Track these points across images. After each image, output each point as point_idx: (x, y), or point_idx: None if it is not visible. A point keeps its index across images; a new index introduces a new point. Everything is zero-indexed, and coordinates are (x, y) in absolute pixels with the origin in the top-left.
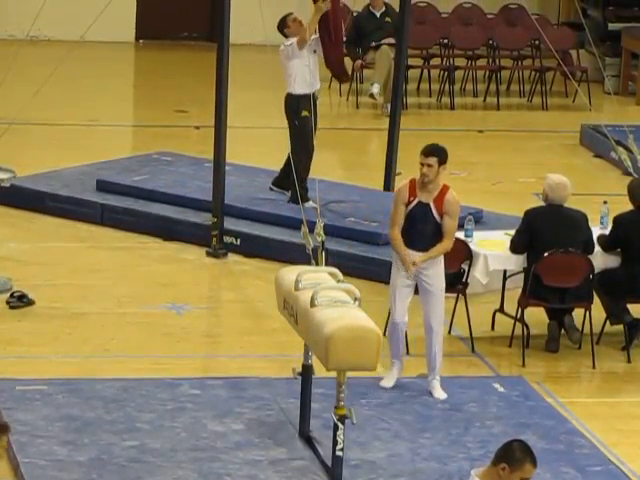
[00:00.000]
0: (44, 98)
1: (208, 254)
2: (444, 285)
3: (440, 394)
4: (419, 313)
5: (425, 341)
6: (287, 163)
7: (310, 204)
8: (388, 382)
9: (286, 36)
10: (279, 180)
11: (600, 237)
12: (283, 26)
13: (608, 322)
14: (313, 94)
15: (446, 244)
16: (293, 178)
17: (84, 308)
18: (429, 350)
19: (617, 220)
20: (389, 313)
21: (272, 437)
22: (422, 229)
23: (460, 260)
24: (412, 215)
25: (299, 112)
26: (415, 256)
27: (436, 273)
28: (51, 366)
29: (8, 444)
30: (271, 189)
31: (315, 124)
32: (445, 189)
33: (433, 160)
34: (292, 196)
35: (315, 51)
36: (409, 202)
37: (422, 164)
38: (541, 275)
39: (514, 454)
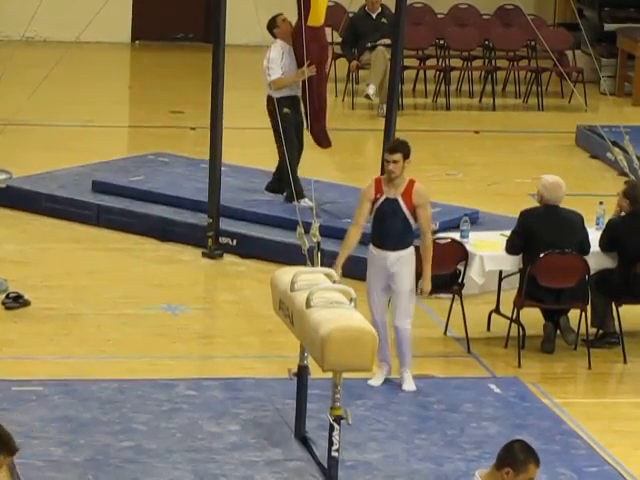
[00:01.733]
0: (40, 99)
1: (204, 255)
2: (413, 286)
3: (410, 386)
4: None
5: (394, 340)
6: (278, 168)
7: (306, 201)
8: (376, 381)
9: (275, 36)
10: (271, 184)
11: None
12: (273, 26)
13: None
14: (297, 97)
15: (427, 242)
16: (287, 177)
17: (80, 309)
18: (398, 349)
19: (609, 224)
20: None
21: (268, 438)
22: (391, 225)
23: (456, 261)
24: (381, 212)
25: (280, 110)
26: (422, 284)
27: (405, 274)
28: (47, 367)
29: (12, 464)
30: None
31: (301, 123)
32: (412, 183)
33: (398, 156)
34: (288, 195)
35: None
36: (376, 199)
37: (387, 161)
38: (537, 276)
39: (517, 456)
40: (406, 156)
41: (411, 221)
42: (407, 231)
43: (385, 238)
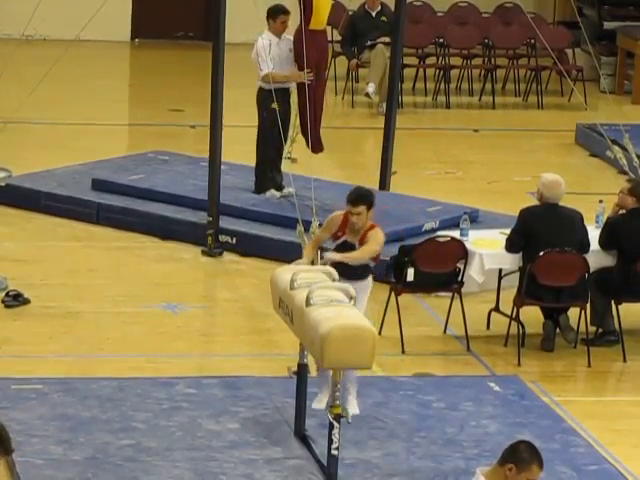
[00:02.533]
0: (40, 97)
1: (204, 253)
2: (363, 309)
3: (354, 410)
4: (410, 314)
5: None
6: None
7: (272, 193)
8: (319, 404)
9: (269, 27)
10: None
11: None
12: (270, 17)
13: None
14: (288, 89)
15: (359, 254)
16: (257, 168)
17: (80, 307)
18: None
19: (608, 222)
20: None
21: (268, 436)
22: (347, 265)
23: (456, 259)
24: (338, 251)
25: (268, 104)
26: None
27: (359, 301)
28: (47, 365)
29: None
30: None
31: (289, 117)
32: (372, 228)
33: (361, 208)
34: (255, 186)
35: (290, 49)
36: (337, 237)
37: (351, 212)
38: (536, 274)
39: (522, 455)
40: (370, 206)
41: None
42: (363, 267)
43: (341, 273)
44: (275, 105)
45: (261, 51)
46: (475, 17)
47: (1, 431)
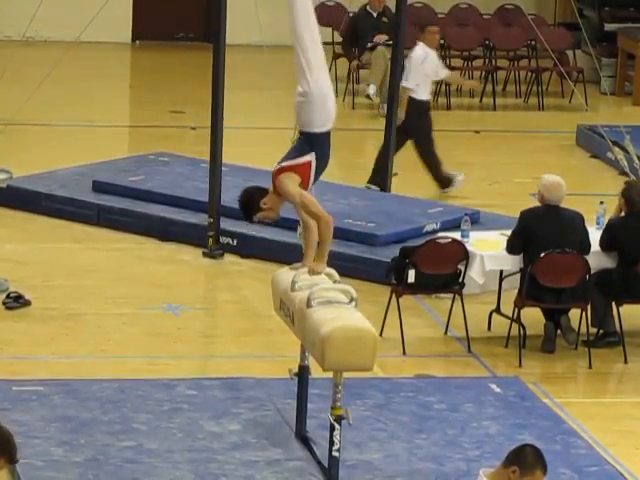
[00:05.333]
0: (41, 99)
1: (204, 255)
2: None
3: None
4: (411, 315)
5: None
6: (377, 160)
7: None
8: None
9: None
10: (372, 178)
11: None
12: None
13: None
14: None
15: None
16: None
17: (80, 309)
18: None
19: (609, 224)
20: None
21: (268, 438)
22: None
23: (456, 261)
24: None
25: (421, 113)
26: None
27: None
28: (47, 367)
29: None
30: (368, 187)
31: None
32: (274, 189)
33: (260, 214)
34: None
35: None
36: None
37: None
38: (537, 275)
39: (527, 458)
40: (261, 193)
41: None
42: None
43: None
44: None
45: (411, 63)
46: (476, 18)
47: (9, 439)
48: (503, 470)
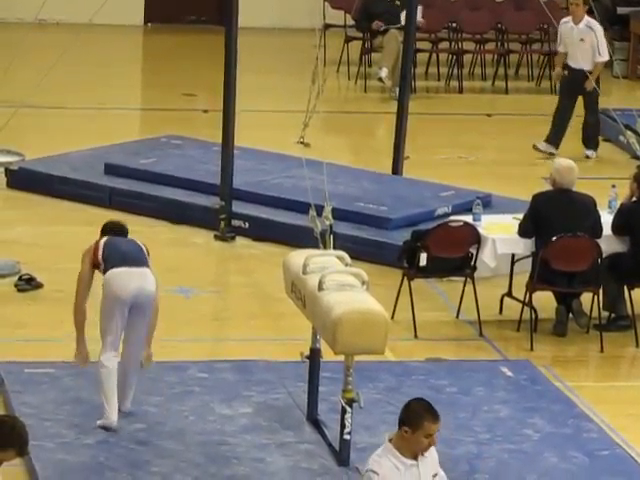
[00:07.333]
0: (52, 82)
1: (216, 238)
2: None
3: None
4: (423, 298)
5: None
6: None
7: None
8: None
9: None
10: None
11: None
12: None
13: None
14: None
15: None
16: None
17: (92, 291)
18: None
19: (621, 209)
20: None
21: (280, 420)
22: None
23: (468, 244)
24: None
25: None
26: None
27: None
28: (59, 349)
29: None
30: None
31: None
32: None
33: None
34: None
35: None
36: None
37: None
38: (549, 259)
39: (411, 414)
40: None
41: None
42: None
43: None
44: None
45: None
46: (488, 2)
47: (21, 433)
48: (399, 432)
